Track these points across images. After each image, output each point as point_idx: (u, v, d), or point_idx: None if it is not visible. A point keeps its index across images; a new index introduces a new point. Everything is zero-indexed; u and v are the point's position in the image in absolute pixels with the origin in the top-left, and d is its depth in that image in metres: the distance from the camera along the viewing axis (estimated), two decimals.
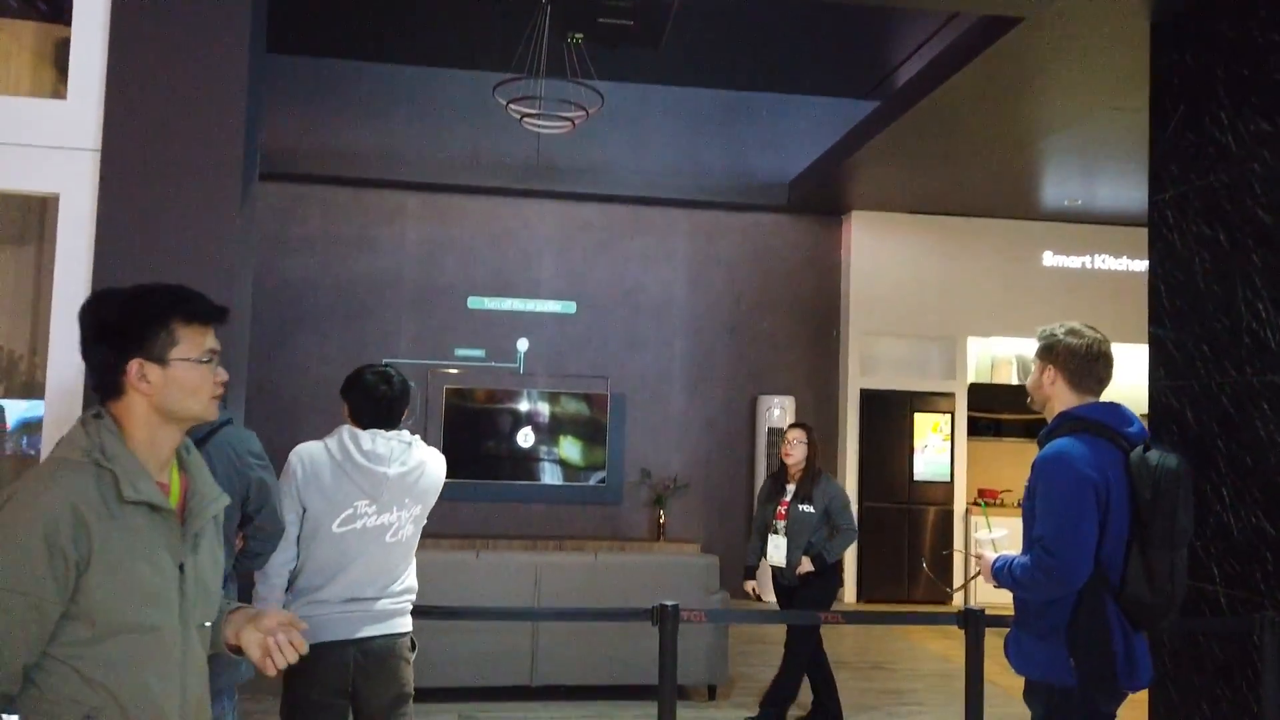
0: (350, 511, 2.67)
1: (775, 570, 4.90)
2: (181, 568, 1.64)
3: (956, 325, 8.97)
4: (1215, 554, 3.96)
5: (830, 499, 4.79)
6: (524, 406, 8.65)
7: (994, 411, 9.11)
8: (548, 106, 6.43)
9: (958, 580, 8.70)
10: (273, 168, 8.43)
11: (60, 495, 1.52)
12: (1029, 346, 9.42)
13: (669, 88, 8.84)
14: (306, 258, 8.50)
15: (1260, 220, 3.81)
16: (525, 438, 8.58)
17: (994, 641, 3.01)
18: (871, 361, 9.01)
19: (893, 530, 8.73)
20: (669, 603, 3.27)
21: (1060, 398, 2.54)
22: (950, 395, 8.95)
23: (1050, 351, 2.55)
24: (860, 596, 8.64)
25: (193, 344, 1.66)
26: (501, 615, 4.85)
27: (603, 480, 8.61)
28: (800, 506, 4.79)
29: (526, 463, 8.60)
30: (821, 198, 8.70)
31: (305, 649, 1.74)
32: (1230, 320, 3.95)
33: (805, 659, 4.81)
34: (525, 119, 6.55)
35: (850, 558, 8.70)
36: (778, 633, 6.44)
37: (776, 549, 4.83)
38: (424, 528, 2.85)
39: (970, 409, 9.01)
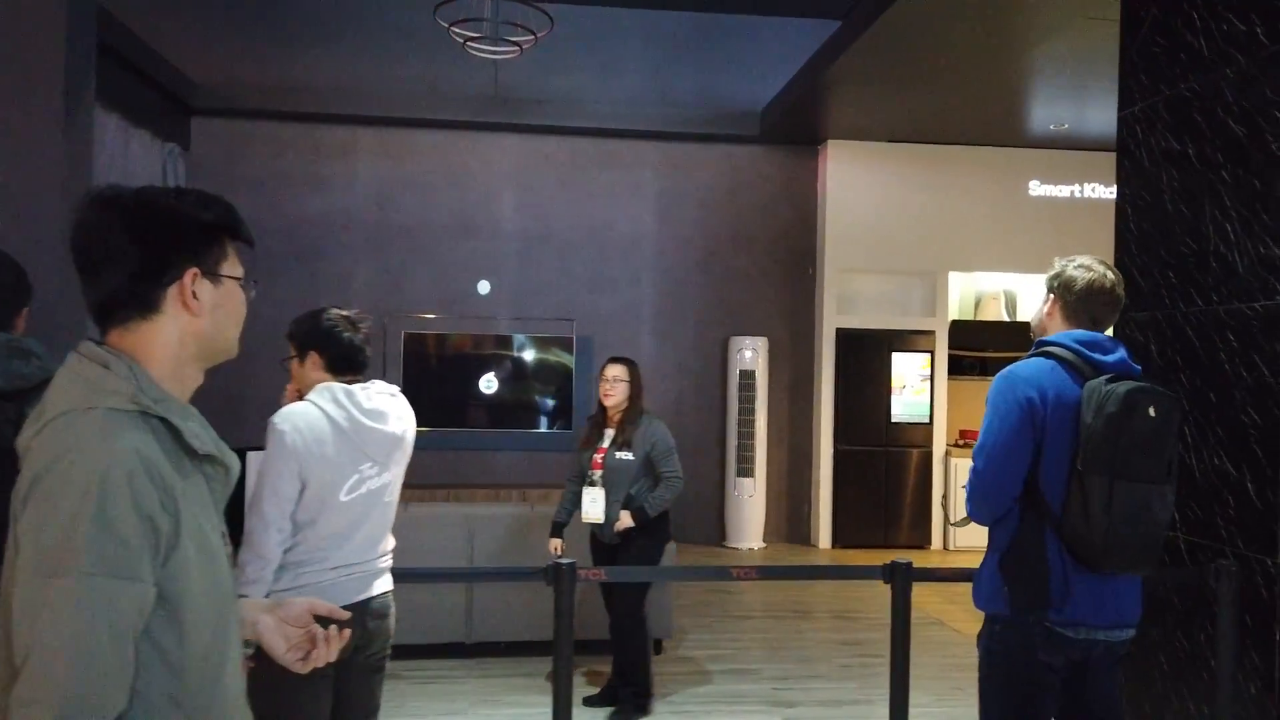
0: (356, 477, 2.43)
1: (593, 528, 4.26)
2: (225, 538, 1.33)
3: (938, 260, 8.57)
4: (1178, 498, 3.65)
5: (652, 444, 4.16)
6: (487, 351, 8.35)
7: (978, 349, 8.76)
8: (494, 30, 6.00)
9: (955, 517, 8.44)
10: (215, 103, 8.05)
11: (130, 450, 1.16)
12: (1015, 281, 9.11)
13: (634, 10, 8.35)
14: (254, 197, 8.12)
15: (1231, 131, 3.42)
16: (488, 384, 8.30)
17: (957, 590, 2.75)
18: (849, 299, 8.64)
19: (870, 474, 8.45)
20: (564, 561, 3.00)
21: (1053, 330, 2.46)
22: (930, 333, 8.58)
23: (1054, 281, 2.49)
24: (836, 542, 8.41)
25: (237, 265, 1.36)
26: (422, 576, 4.59)
27: (569, 426, 8.34)
28: (618, 454, 4.15)
29: (491, 410, 8.33)
30: (795, 126, 8.25)
31: (348, 640, 1.47)
32: (1197, 244, 3.59)
33: (641, 623, 4.21)
34: (469, 44, 6.13)
35: (824, 503, 8.45)
36: (733, 584, 6.25)
37: (593, 503, 4.15)
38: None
39: (952, 347, 8.66)
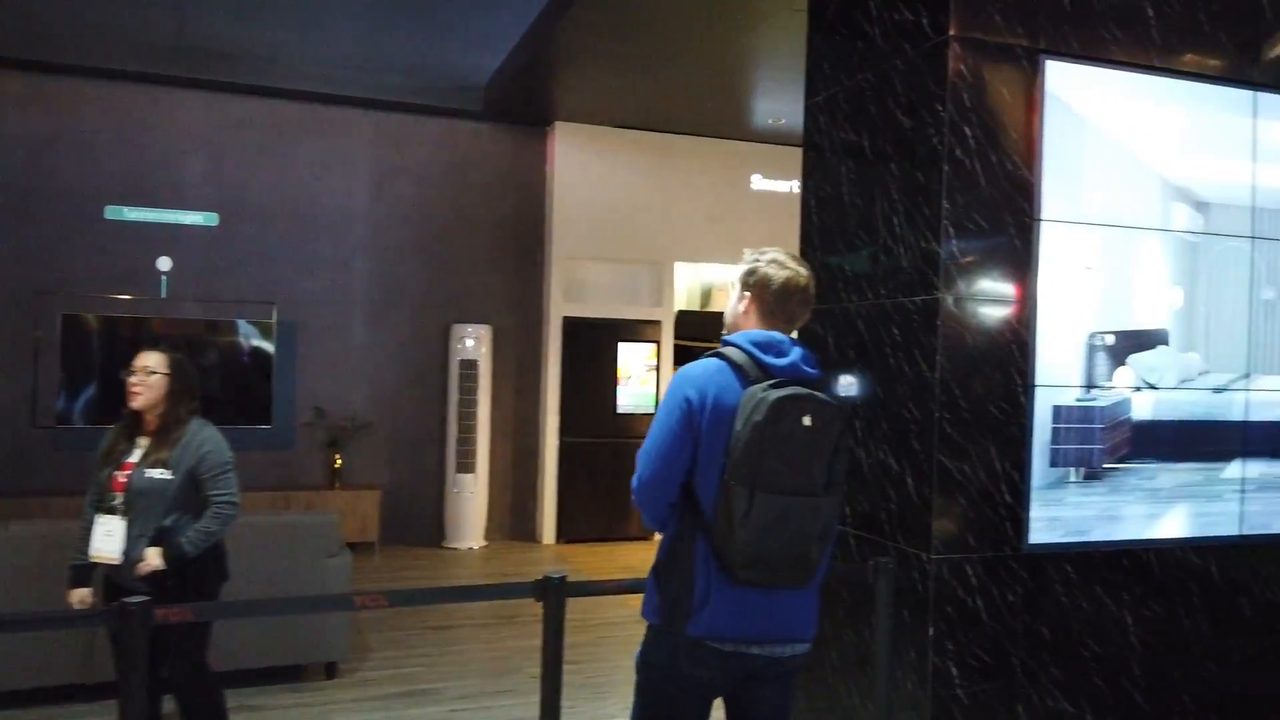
0: None
1: (105, 569, 3.16)
2: None
3: (664, 250, 8.52)
4: (848, 491, 3.62)
5: (199, 458, 3.20)
6: (169, 337, 7.31)
7: (704, 340, 8.81)
8: None
9: None
10: None
11: None
12: (735, 275, 9.27)
13: None
14: None
15: (899, 124, 3.40)
16: None
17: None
18: (576, 287, 8.40)
19: (596, 466, 8.27)
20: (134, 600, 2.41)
21: (746, 328, 2.34)
22: (657, 324, 8.53)
23: (749, 277, 2.36)
24: (561, 537, 8.17)
25: None
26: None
27: (268, 422, 7.49)
28: (149, 472, 3.14)
29: None
30: (521, 104, 7.86)
31: None
32: (869, 236, 3.55)
33: (204, 673, 3.28)
34: None
35: (550, 497, 8.18)
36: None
37: (107, 535, 3.11)
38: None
39: (679, 338, 8.66)
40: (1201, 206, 3.53)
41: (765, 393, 2.14)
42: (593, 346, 8.32)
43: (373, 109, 7.83)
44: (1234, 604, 3.57)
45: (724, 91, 7.41)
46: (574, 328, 8.26)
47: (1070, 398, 3.30)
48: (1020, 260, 3.24)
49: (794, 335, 2.37)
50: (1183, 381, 3.48)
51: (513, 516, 8.32)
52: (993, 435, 3.20)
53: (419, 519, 7.93)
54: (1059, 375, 3.28)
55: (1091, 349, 3.33)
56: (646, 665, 2.31)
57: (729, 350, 2.27)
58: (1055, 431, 3.27)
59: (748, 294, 2.35)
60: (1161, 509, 3.43)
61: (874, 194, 3.52)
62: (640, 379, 8.44)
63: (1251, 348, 3.60)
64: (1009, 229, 3.23)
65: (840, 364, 3.68)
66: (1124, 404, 3.38)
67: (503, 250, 8.27)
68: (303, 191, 7.70)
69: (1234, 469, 3.55)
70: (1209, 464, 3.50)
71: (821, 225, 3.88)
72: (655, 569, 2.30)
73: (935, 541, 3.15)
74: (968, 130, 3.18)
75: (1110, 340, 3.37)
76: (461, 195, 8.13)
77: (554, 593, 2.72)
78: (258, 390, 7.47)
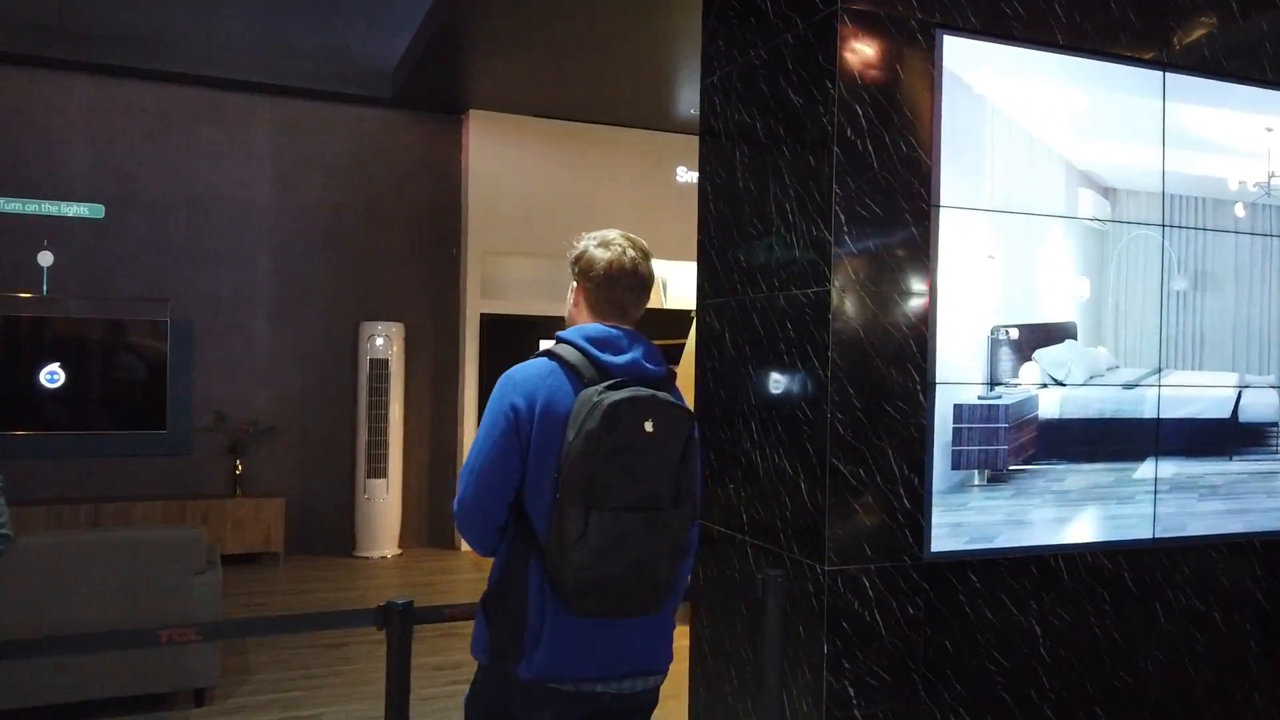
0: None
1: None
2: None
3: None
4: (745, 498, 3.38)
5: None
6: (49, 337, 6.85)
7: None
8: None
9: None
10: None
11: None
12: (665, 269, 9.04)
13: None
14: None
15: (791, 102, 3.16)
16: (52, 377, 6.81)
17: None
18: (494, 283, 8.07)
19: None
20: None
21: (581, 322, 2.08)
22: None
23: (575, 263, 2.10)
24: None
25: None
26: None
27: (162, 426, 7.05)
28: None
29: (57, 409, 6.84)
30: (431, 90, 7.51)
31: None
32: (764, 225, 3.31)
33: None
34: None
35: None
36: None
37: None
38: None
39: None
40: (1109, 193, 3.35)
41: (600, 395, 1.87)
42: (512, 345, 7.99)
43: (273, 94, 7.42)
44: (1148, 610, 3.40)
45: (643, 79, 7.15)
46: (493, 325, 7.94)
47: (973, 395, 3.09)
48: (918, 249, 3.02)
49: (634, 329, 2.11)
50: (1091, 377, 3.29)
51: (430, 523, 7.97)
52: (890, 436, 2.98)
53: (328, 527, 7.55)
54: (960, 372, 3.07)
55: (994, 344, 3.13)
56: (477, 709, 2.03)
57: (561, 348, 2.00)
58: (957, 432, 3.06)
59: (574, 282, 2.10)
60: (1071, 512, 3.24)
61: (768, 179, 3.28)
62: None
63: (1163, 341, 3.43)
64: (905, 215, 3.01)
65: (738, 361, 3.43)
66: (1030, 402, 3.18)
67: (416, 244, 7.92)
68: (199, 181, 7.26)
69: (1146, 469, 3.38)
70: (1120, 464, 3.33)
71: (717, 214, 3.64)
72: (484, 600, 2.03)
73: (830, 551, 2.92)
74: (859, 109, 2.95)
75: (1014, 334, 3.17)
76: (371, 187, 7.76)
77: (397, 620, 2.43)
78: (151, 394, 7.02)
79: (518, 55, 6.64)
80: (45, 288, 6.81)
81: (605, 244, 2.08)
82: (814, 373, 2.99)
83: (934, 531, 3.03)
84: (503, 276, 8.11)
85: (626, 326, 2.08)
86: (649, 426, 1.87)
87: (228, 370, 7.33)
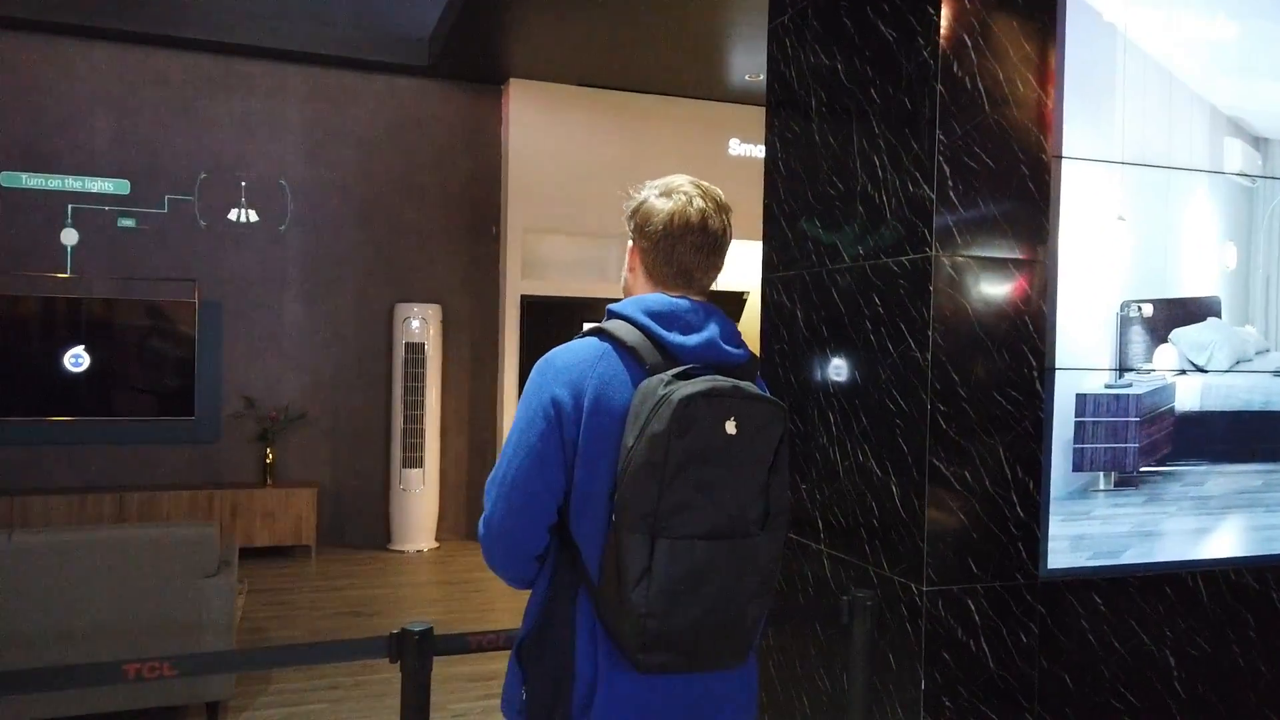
0: None
1: None
2: None
3: None
4: (821, 501, 2.92)
5: None
6: (77, 320, 6.58)
7: None
8: None
9: None
10: None
11: None
12: None
13: None
14: None
15: (881, 36, 2.67)
16: (77, 361, 6.54)
17: None
18: (536, 263, 7.66)
19: None
20: None
21: (638, 292, 1.65)
22: None
23: (631, 218, 1.66)
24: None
25: None
26: None
27: (190, 413, 6.76)
28: None
29: (82, 394, 6.58)
30: (470, 59, 7.10)
31: None
32: (845, 182, 2.83)
33: None
34: None
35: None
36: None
37: None
38: None
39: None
40: (1261, 143, 2.82)
41: (668, 388, 1.42)
42: (555, 328, 7.58)
43: (305, 64, 7.06)
44: None
45: (694, 44, 6.66)
46: (534, 307, 7.53)
47: (1098, 384, 2.60)
48: (1035, 209, 2.52)
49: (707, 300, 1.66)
50: (1238, 362, 2.77)
51: (468, 516, 7.61)
52: (1000, 432, 2.50)
53: (362, 519, 7.22)
54: (1084, 356, 2.58)
55: (1124, 322, 2.63)
56: None
57: (615, 325, 1.55)
58: (1079, 427, 2.57)
59: (629, 241, 1.66)
60: (1212, 522, 2.74)
61: (850, 129, 2.80)
62: None
63: None
64: (1021, 168, 2.51)
65: (813, 343, 2.96)
66: (1165, 391, 2.67)
67: (454, 222, 7.52)
68: (228, 155, 6.94)
69: None
70: (1271, 465, 2.81)
71: (788, 173, 3.16)
72: (518, 648, 1.59)
73: (929, 568, 2.45)
74: (967, 40, 2.45)
75: (1148, 311, 2.67)
76: (407, 161, 7.37)
77: (413, 652, 2.01)
78: (178, 378, 6.73)
79: (561, 20, 6.19)
80: (70, 267, 6.53)
81: (668, 192, 1.63)
82: (909, 356, 2.51)
83: (1051, 545, 2.55)
84: (545, 256, 7.69)
85: (696, 297, 1.62)
86: (731, 428, 1.43)
87: (257, 354, 7.02)
